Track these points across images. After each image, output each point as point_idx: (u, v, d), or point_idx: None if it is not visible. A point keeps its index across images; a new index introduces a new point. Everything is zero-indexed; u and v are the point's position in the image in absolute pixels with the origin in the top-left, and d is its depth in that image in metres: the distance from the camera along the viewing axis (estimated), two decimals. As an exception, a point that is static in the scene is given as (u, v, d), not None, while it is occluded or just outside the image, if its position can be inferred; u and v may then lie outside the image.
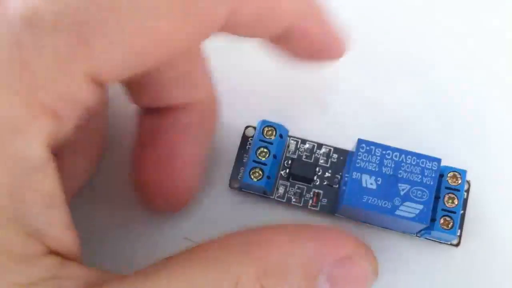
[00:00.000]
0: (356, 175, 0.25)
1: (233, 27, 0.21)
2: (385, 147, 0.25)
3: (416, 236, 0.27)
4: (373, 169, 0.25)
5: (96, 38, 0.18)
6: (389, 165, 0.25)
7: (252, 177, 0.26)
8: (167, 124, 0.26)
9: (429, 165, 0.25)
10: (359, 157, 0.25)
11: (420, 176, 0.25)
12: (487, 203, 0.28)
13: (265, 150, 0.26)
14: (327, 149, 0.28)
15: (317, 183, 0.28)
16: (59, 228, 0.19)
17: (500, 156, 0.29)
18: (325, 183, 0.28)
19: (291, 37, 0.24)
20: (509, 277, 0.27)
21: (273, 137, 0.27)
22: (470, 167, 0.27)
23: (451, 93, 0.30)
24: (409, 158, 0.25)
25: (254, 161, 0.26)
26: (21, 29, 0.17)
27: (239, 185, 0.28)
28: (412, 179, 0.25)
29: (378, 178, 0.25)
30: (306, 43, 0.24)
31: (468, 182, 0.28)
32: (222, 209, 0.28)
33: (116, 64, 0.19)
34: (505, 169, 0.29)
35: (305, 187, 0.28)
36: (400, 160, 0.25)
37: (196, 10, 0.19)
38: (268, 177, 0.26)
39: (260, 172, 0.26)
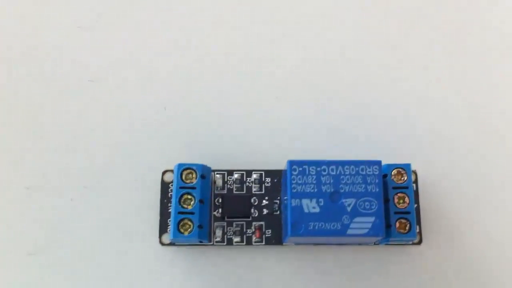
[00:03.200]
0: (295, 202, 0.22)
1: None
2: (319, 163, 0.22)
3: (375, 245, 0.25)
4: (312, 191, 0.22)
5: None
6: (328, 182, 0.22)
7: (182, 230, 0.23)
8: None
9: (369, 171, 0.22)
10: (294, 181, 0.22)
11: (363, 185, 0.22)
12: (439, 188, 0.26)
13: (189, 196, 0.23)
14: (258, 174, 0.25)
15: (256, 215, 0.25)
16: None
17: (441, 141, 0.27)
18: (265, 212, 0.25)
19: None
20: (474, 263, 0.25)
21: (194, 180, 0.23)
22: (413, 157, 0.25)
23: (374, 91, 0.28)
24: (347, 168, 0.22)
25: (179, 212, 0.23)
26: None
27: (170, 240, 0.25)
28: (355, 190, 0.22)
29: (320, 199, 0.22)
30: None
31: (415, 173, 0.26)
32: (156, 268, 0.25)
33: None
34: (447, 153, 0.27)
35: (244, 223, 0.25)
36: (338, 173, 0.22)
37: None
38: (200, 226, 0.23)
39: (190, 223, 0.23)
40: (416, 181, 0.26)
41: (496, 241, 0.26)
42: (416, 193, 0.26)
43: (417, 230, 0.25)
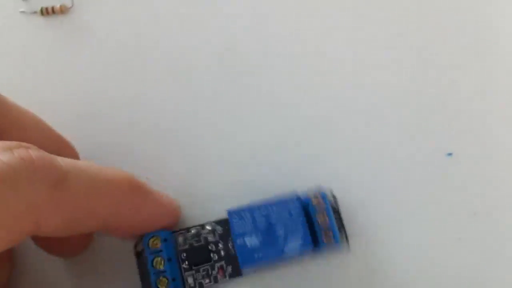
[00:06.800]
0: (239, 241, 0.28)
1: (46, 231, 0.24)
2: (251, 209, 0.29)
3: (313, 256, 0.31)
4: (251, 229, 0.29)
5: None
6: (262, 220, 0.29)
7: (160, 286, 0.29)
8: None
9: (292, 206, 0.29)
10: (235, 225, 0.29)
11: (289, 216, 0.29)
12: (361, 204, 0.33)
13: (159, 258, 0.29)
14: (210, 226, 0.32)
15: (216, 258, 0.31)
16: None
17: (358, 159, 0.34)
18: (223, 254, 0.31)
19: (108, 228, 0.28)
20: (397, 271, 0.32)
21: (159, 245, 0.29)
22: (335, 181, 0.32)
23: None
24: (273, 207, 0.29)
25: (154, 273, 0.29)
26: None
27: (154, 297, 0.31)
28: (284, 221, 0.29)
29: (258, 234, 0.29)
30: (122, 230, 0.29)
31: (334, 196, 0.32)
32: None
33: None
34: (365, 169, 0.34)
35: (209, 267, 0.31)
36: (267, 212, 0.29)
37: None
38: (174, 279, 0.29)
39: (165, 279, 0.29)
40: (336, 202, 0.32)
41: (413, 250, 0.32)
42: (338, 212, 0.32)
43: (344, 241, 0.31)
